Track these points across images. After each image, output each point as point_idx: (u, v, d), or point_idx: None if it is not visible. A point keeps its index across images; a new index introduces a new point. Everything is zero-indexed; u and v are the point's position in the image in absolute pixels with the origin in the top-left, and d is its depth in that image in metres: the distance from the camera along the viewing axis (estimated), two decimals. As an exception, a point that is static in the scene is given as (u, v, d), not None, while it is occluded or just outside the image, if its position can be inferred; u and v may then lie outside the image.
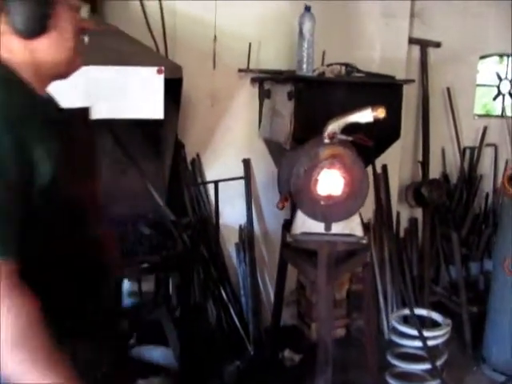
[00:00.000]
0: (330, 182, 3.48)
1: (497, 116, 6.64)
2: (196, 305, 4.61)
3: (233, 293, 4.88)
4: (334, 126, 3.55)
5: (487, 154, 6.43)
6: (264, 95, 5.01)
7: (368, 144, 3.43)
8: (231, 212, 5.04)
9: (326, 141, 3.54)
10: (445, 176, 6.25)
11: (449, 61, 5.82)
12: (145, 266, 3.53)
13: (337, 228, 3.55)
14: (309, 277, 3.96)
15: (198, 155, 4.82)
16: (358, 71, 4.68)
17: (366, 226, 3.56)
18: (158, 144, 4.28)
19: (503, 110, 6.58)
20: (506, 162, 6.34)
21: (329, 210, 3.47)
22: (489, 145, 6.42)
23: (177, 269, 3.89)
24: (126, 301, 3.96)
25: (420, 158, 5.87)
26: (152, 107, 3.35)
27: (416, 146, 5.94)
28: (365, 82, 4.60)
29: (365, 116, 3.52)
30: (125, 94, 3.33)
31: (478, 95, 6.31)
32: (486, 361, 4.74)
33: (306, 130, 4.14)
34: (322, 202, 3.46)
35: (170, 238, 3.87)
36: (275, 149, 4.79)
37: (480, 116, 6.54)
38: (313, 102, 4.44)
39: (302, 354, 4.75)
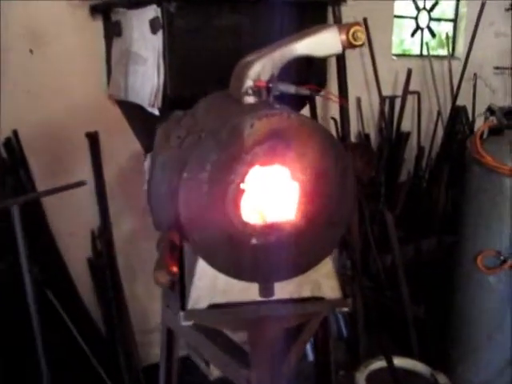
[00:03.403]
0: (269, 193, 1.42)
1: (416, 56, 4.94)
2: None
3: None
4: (267, 66, 1.53)
5: (407, 105, 4.73)
6: (112, 32, 2.95)
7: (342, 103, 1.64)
8: (76, 212, 3.19)
9: (250, 99, 1.54)
10: (366, 137, 4.47)
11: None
12: None
13: (286, 289, 1.53)
14: (237, 379, 1.83)
15: (15, 133, 2.99)
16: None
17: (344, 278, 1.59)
18: None
19: (422, 47, 4.87)
20: (439, 114, 4.66)
21: (269, 257, 1.39)
22: (410, 93, 4.70)
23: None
24: None
25: (333, 113, 3.98)
26: None
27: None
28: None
29: (328, 42, 1.55)
30: None
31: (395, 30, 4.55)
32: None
33: (189, 82, 2.43)
34: (254, 241, 1.43)
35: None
36: (136, 116, 2.89)
37: (398, 56, 4.80)
38: (196, 32, 2.45)
39: None
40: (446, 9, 4.70)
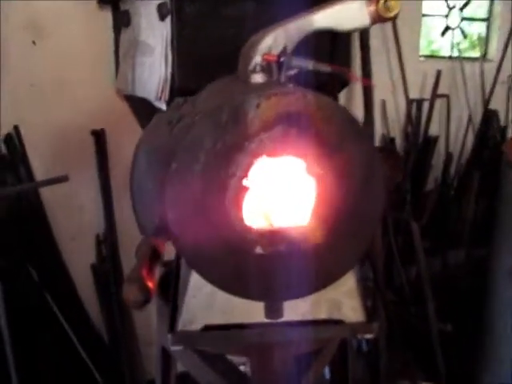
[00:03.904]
0: (279, 192, 1.12)
1: (445, 57, 4.61)
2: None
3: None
4: (279, 40, 1.26)
5: (435, 109, 4.41)
6: (121, 22, 2.71)
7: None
8: (79, 215, 3.01)
9: (258, 78, 1.27)
10: (391, 141, 4.16)
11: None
12: None
13: (298, 310, 1.24)
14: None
15: (16, 128, 2.79)
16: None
17: (368, 299, 1.30)
18: None
19: (452, 49, 4.55)
20: (469, 118, 4.33)
21: (277, 271, 1.10)
22: (439, 96, 4.39)
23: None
24: None
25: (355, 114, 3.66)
26: None
27: (352, 97, 3.70)
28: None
29: (354, 13, 1.27)
30: None
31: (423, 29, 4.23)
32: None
33: (197, 72, 2.14)
34: (259, 250, 1.13)
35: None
36: (144, 112, 2.54)
37: (426, 57, 4.48)
38: (205, 19, 2.20)
39: None
40: (477, 8, 4.37)
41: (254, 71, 1.17)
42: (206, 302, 1.17)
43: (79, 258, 3.02)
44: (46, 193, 2.91)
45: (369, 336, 1.20)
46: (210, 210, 1.06)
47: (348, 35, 2.99)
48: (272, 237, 1.08)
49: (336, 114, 1.05)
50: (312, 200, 1.09)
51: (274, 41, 1.21)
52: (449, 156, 4.21)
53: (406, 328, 3.45)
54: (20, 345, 2.77)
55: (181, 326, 1.17)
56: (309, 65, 1.14)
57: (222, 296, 1.15)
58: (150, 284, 0.84)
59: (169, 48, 2.24)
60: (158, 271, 0.91)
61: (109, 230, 3.02)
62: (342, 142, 1.05)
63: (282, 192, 1.10)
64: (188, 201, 1.04)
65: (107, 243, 3.04)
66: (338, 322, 1.21)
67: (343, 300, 1.20)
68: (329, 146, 1.05)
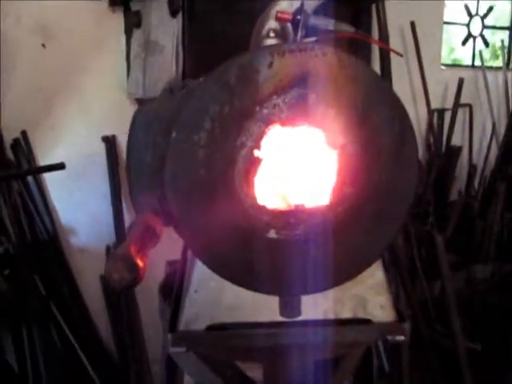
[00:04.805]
0: (295, 166, 0.95)
1: (467, 66, 4.45)
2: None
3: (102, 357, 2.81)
4: (295, 3, 1.12)
5: (458, 118, 4.23)
6: (132, 23, 2.61)
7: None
8: (90, 225, 2.89)
9: (272, 42, 1.11)
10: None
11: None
12: None
13: (317, 307, 1.08)
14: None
15: (23, 134, 2.70)
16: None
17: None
18: None
19: (474, 57, 4.38)
20: (493, 128, 4.15)
21: (293, 259, 0.93)
22: (461, 105, 4.21)
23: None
24: None
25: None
26: None
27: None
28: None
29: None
30: None
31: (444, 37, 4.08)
32: None
33: (209, 69, 1.79)
34: (273, 234, 0.96)
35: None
36: None
37: (447, 66, 4.32)
38: (216, 15, 2.11)
39: None
40: (501, 16, 4.22)
41: (267, 36, 1.02)
42: (211, 298, 1.01)
43: (88, 270, 2.87)
44: (55, 201, 2.80)
45: (399, 338, 1.02)
46: (216, 187, 0.90)
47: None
48: (288, 218, 0.92)
49: (361, 74, 0.89)
50: (333, 176, 0.93)
51: (289, 6, 1.07)
52: (472, 167, 4.03)
53: (431, 345, 3.22)
54: (24, 358, 2.64)
55: (183, 325, 1.00)
56: (329, 24, 1.00)
57: (231, 290, 0.99)
58: (140, 263, 0.69)
59: (180, 45, 2.14)
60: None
61: (119, 241, 2.87)
62: (369, 107, 0.89)
63: (299, 166, 0.94)
64: (189, 176, 0.89)
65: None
66: (364, 322, 1.04)
67: (369, 296, 1.02)
68: (353, 113, 0.90)
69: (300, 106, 0.89)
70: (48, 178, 2.78)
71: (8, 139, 2.69)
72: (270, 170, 0.92)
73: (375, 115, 0.90)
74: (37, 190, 2.74)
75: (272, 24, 1.03)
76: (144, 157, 0.99)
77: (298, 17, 0.97)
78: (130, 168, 1.02)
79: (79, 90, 2.77)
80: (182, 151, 0.88)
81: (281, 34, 1.01)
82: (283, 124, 0.90)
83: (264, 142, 0.90)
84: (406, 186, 0.92)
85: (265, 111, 0.89)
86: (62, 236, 2.81)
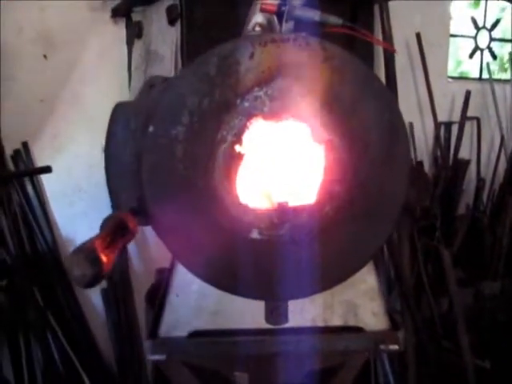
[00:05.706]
0: (279, 162, 0.90)
1: (474, 79, 4.39)
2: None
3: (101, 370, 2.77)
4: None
5: (465, 131, 4.17)
6: (133, 34, 2.62)
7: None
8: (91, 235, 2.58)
9: (258, 29, 1.05)
10: (419, 164, 3.92)
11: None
12: None
13: (305, 314, 1.06)
14: None
15: (24, 144, 2.68)
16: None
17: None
18: None
19: (482, 70, 4.33)
20: (502, 142, 4.07)
21: (278, 261, 0.90)
22: (468, 118, 4.16)
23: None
24: None
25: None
26: None
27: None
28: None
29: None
30: None
31: (450, 50, 4.03)
32: None
33: None
34: (256, 235, 0.90)
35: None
36: None
37: (454, 78, 4.27)
38: (214, 22, 2.09)
39: None
40: (507, 28, 4.17)
41: (252, 30, 0.98)
42: (193, 302, 0.95)
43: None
44: (55, 212, 2.77)
45: (394, 347, 0.95)
46: (195, 184, 0.85)
47: (371, 53, 2.84)
48: (271, 218, 0.87)
49: (348, 65, 0.84)
50: (320, 173, 0.87)
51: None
52: (481, 180, 3.95)
53: (438, 362, 3.13)
54: (22, 371, 2.58)
55: (163, 331, 0.95)
56: (315, 16, 0.95)
57: (214, 294, 0.94)
58: (104, 258, 0.64)
59: (178, 53, 2.11)
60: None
61: (120, 255, 2.83)
62: (357, 100, 0.84)
63: (283, 162, 0.88)
64: (169, 172, 0.84)
65: (118, 267, 2.85)
66: (355, 330, 0.98)
67: (361, 302, 0.96)
68: (339, 106, 0.85)
69: (283, 99, 0.84)
70: (48, 188, 2.76)
71: (9, 150, 2.67)
72: (252, 166, 0.87)
73: (363, 109, 0.85)
74: (37, 201, 2.71)
75: (258, 18, 0.99)
76: (121, 155, 0.95)
77: (283, 8, 0.93)
78: (108, 166, 0.97)
79: (81, 101, 2.75)
80: (159, 146, 0.83)
81: (267, 28, 0.97)
82: (265, 118, 0.85)
83: (245, 137, 0.85)
84: (396, 184, 0.86)
85: (246, 104, 0.84)
86: (61, 247, 2.77)
